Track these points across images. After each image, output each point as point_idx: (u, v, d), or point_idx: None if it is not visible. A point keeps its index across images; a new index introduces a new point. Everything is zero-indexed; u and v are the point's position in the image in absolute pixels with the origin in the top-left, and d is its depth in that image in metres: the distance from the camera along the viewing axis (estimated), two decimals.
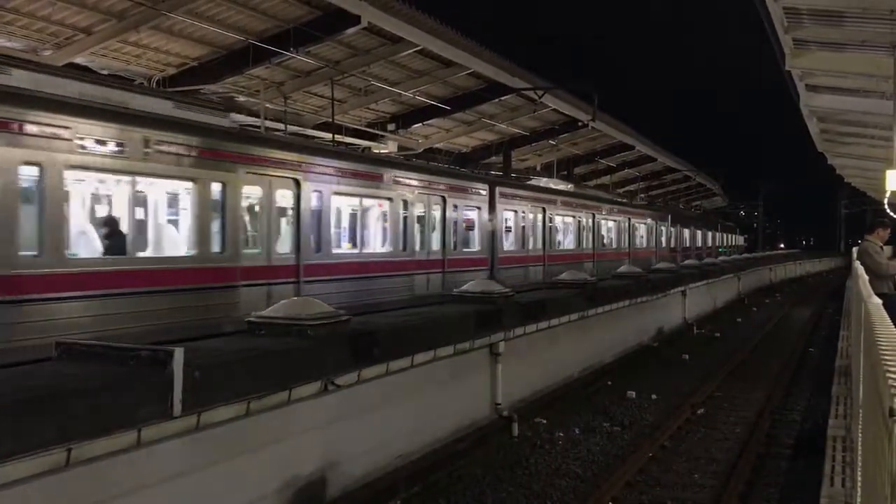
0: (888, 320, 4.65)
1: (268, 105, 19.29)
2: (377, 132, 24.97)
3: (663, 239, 37.39)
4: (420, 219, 16.48)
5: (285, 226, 12.78)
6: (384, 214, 15.50)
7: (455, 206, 17.56)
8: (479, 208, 18.70)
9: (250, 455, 6.62)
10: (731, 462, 9.87)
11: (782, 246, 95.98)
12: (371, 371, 7.97)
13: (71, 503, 5.11)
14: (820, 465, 7.22)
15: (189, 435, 5.87)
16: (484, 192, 19.08)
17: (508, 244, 20.50)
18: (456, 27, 19.34)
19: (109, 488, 5.35)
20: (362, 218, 15.20)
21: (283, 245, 12.53)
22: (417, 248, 16.27)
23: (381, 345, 8.23)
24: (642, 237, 33.89)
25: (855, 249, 17.31)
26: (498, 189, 19.60)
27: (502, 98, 24.99)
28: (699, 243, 47.18)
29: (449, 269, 16.98)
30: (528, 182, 26.24)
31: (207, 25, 16.18)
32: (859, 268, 11.32)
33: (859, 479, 4.99)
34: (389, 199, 15.23)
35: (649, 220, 34.70)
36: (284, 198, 12.51)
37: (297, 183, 12.53)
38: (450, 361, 9.61)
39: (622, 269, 19.88)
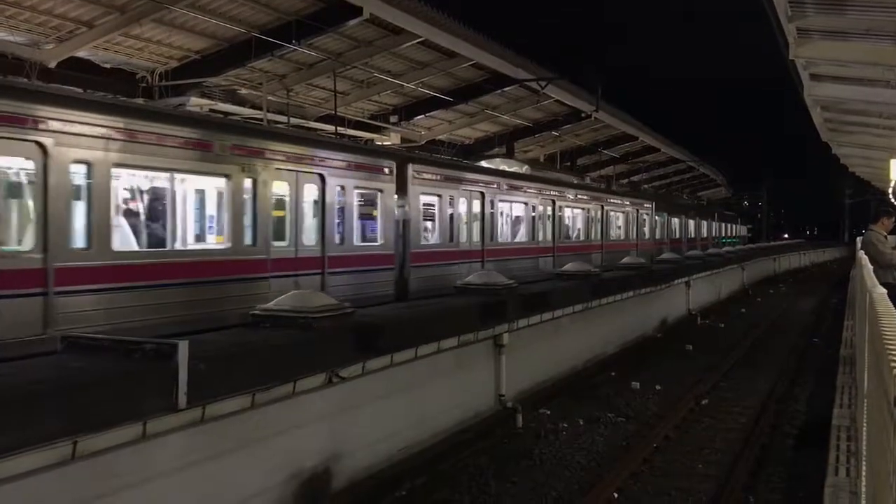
0: (892, 310, 4.64)
1: (270, 98, 19.27)
2: (380, 124, 24.94)
3: (646, 229, 33.10)
4: (280, 203, 12.37)
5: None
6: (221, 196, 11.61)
7: (341, 188, 13.34)
8: (380, 191, 14.34)
9: (255, 447, 6.64)
10: (736, 452, 9.88)
11: (786, 236, 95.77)
12: (375, 363, 7.98)
13: (77, 495, 5.13)
14: (824, 455, 7.22)
15: (194, 427, 5.89)
16: (388, 171, 14.68)
17: (429, 237, 16.52)
18: (458, 18, 19.31)
19: (115, 481, 5.38)
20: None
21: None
22: (266, 241, 11.71)
23: (386, 337, 8.25)
24: (620, 227, 29.94)
25: (859, 239, 17.26)
26: (412, 168, 15.52)
27: (505, 89, 24.94)
28: (692, 234, 42.95)
29: (332, 270, 12.83)
30: (460, 161, 22.94)
31: (209, 18, 16.16)
32: (863, 257, 11.29)
33: (864, 468, 4.99)
34: (227, 175, 11.17)
35: (628, 209, 30.58)
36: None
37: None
38: (454, 353, 9.62)
39: (626, 259, 19.88)
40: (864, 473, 4.99)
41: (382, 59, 20.58)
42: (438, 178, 16.72)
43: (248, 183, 11.43)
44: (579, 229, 25.49)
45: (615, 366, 14.93)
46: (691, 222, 43.27)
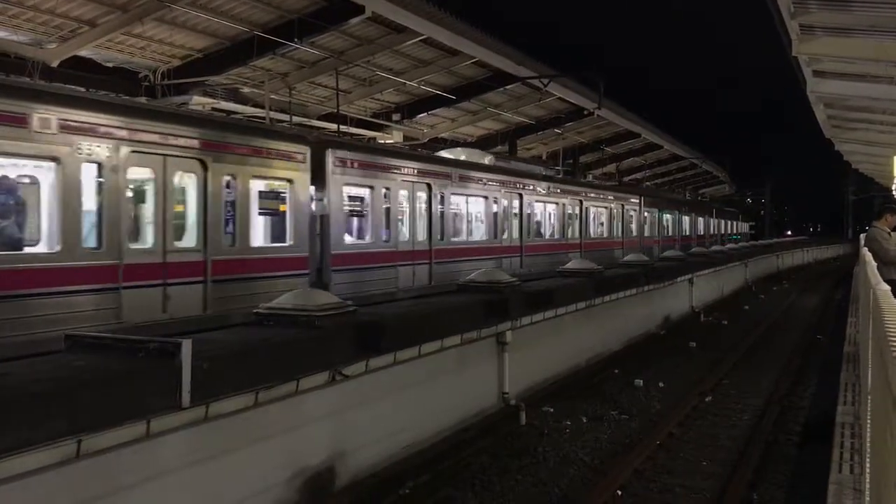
0: None
1: (273, 96, 19.29)
2: (382, 122, 24.95)
3: (633, 226, 30.83)
4: (140, 195, 10.32)
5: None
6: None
7: (232, 178, 11.07)
8: (289, 181, 12.09)
9: (258, 446, 6.65)
10: (740, 449, 9.87)
11: (789, 233, 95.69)
12: (379, 361, 7.98)
13: (81, 494, 5.14)
14: (828, 452, 7.21)
15: (197, 426, 5.90)
16: (301, 158, 12.43)
17: (358, 236, 14.47)
18: (460, 16, 19.29)
19: (119, 479, 5.39)
20: None
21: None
22: (116, 242, 9.62)
23: (389, 335, 8.25)
24: (602, 224, 27.73)
25: (863, 236, 17.23)
26: (332, 155, 13.08)
27: (507, 87, 24.94)
28: (687, 231, 40.77)
29: (219, 277, 10.61)
30: (399, 147, 20.58)
31: (212, 17, 16.18)
32: (867, 254, 11.27)
33: (868, 465, 4.99)
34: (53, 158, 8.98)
35: (612, 204, 28.30)
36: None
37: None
38: (457, 351, 9.63)
39: (629, 257, 19.85)
40: (867, 470, 4.98)
41: (385, 57, 20.59)
42: (369, 166, 14.31)
43: (87, 168, 9.24)
44: (554, 227, 23.39)
45: (618, 363, 14.92)
46: (686, 219, 41.04)
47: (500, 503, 8.04)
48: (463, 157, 19.99)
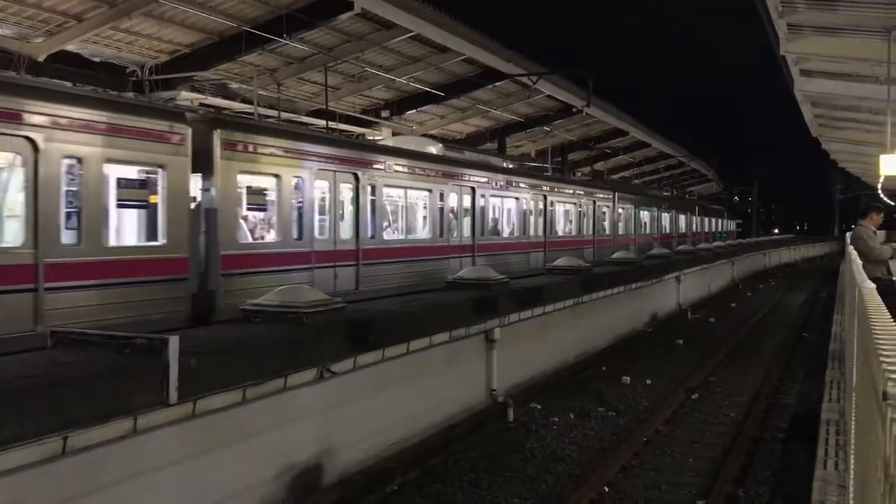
0: (882, 305, 4.67)
1: (261, 92, 19.20)
2: (371, 119, 24.90)
3: (606, 224, 28.60)
4: None
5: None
6: None
7: (77, 161, 9.06)
8: (161, 167, 9.97)
9: (246, 442, 6.63)
10: (726, 446, 9.93)
11: (776, 231, 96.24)
12: (367, 358, 7.98)
13: (68, 491, 5.11)
14: (813, 448, 7.26)
15: (185, 422, 5.88)
16: (180, 140, 10.24)
17: (258, 234, 12.29)
18: (449, 12, 19.27)
19: (106, 475, 5.37)
20: None
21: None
22: None
23: (377, 332, 8.25)
24: (571, 221, 25.40)
25: (849, 234, 17.35)
26: (221, 135, 11.08)
27: (496, 84, 24.90)
28: (667, 229, 38.39)
29: (56, 284, 8.49)
30: (319, 132, 17.77)
31: (200, 12, 16.07)
32: (853, 252, 11.35)
33: (852, 462, 5.03)
34: None
35: (582, 199, 26.11)
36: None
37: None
38: (445, 348, 9.64)
39: (617, 255, 19.93)
40: (852, 467, 5.02)
41: (374, 53, 20.53)
42: (275, 151, 12.19)
43: None
44: (513, 223, 21.24)
45: (606, 360, 14.97)
46: (666, 216, 38.73)
47: (489, 499, 8.06)
48: (402, 145, 17.67)
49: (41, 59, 15.59)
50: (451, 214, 17.57)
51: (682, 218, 42.31)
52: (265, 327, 7.44)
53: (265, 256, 11.95)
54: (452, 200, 17.67)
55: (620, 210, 30.26)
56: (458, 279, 11.95)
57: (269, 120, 18.68)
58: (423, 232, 16.78)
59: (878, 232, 11.52)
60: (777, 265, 45.55)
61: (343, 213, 13.91)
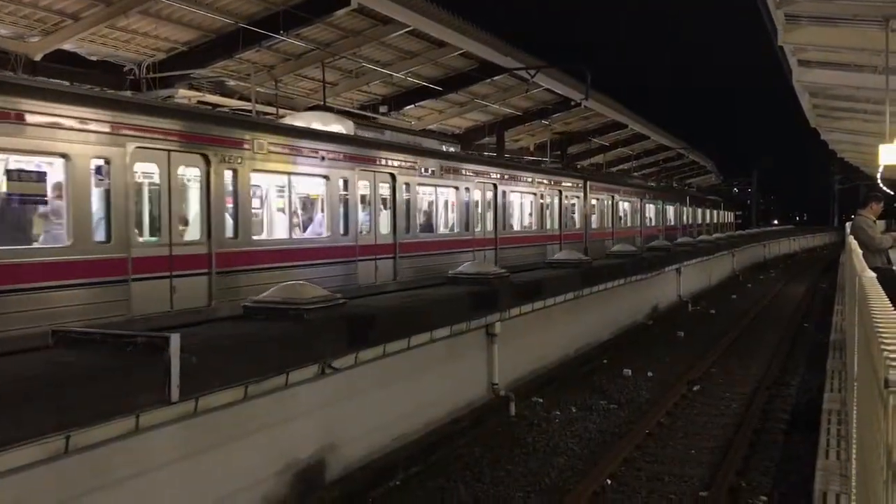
0: (882, 294, 4.67)
1: (259, 89, 19.20)
2: (369, 114, 24.89)
3: (576, 217, 25.80)
4: None
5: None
6: None
7: None
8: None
9: (249, 439, 6.64)
10: (728, 437, 9.94)
11: (776, 222, 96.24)
12: (368, 353, 7.98)
13: (71, 489, 5.12)
14: (815, 438, 7.27)
15: (187, 420, 5.88)
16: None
17: (39, 233, 9.46)
18: (446, 7, 19.25)
19: (109, 474, 5.37)
20: None
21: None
22: None
23: (378, 327, 8.25)
24: (530, 215, 22.58)
25: (848, 224, 17.35)
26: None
27: (494, 78, 24.91)
28: (652, 221, 35.77)
29: None
30: (129, 97, 13.79)
31: (196, 9, 16.07)
32: (853, 242, 11.35)
33: (854, 451, 5.03)
34: None
35: (545, 190, 22.97)
36: None
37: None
38: (446, 343, 9.64)
39: (616, 247, 19.91)
40: (854, 457, 5.03)
41: (371, 48, 20.52)
42: (56, 118, 8.86)
43: None
44: (453, 218, 18.34)
45: (607, 353, 14.98)
46: (651, 207, 35.58)
47: (491, 494, 8.07)
48: (299, 123, 14.45)
49: (38, 58, 15.58)
50: (360, 208, 14.41)
51: (670, 209, 39.86)
52: (266, 324, 7.44)
53: (45, 267, 8.96)
54: (362, 190, 14.57)
55: (594, 201, 27.24)
56: (458, 273, 11.94)
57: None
58: (317, 230, 13.67)
59: (877, 221, 11.52)
60: (777, 256, 45.53)
61: (186, 209, 11.12)
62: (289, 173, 12.84)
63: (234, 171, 11.41)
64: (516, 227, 21.59)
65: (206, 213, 10.99)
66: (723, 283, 28.95)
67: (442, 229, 17.82)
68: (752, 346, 16.64)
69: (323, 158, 13.34)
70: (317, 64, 20.13)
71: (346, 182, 13.92)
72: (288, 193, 13.00)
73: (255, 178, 12.16)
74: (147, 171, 10.43)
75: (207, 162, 10.97)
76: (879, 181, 33.70)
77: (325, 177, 13.49)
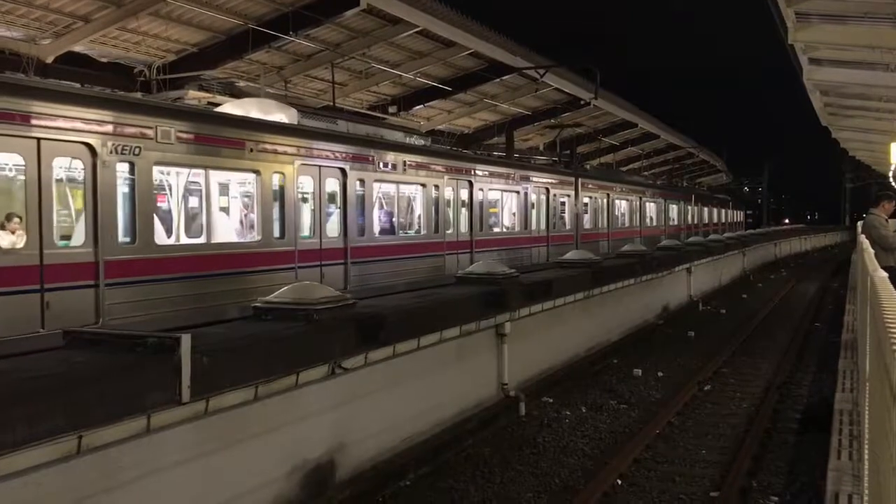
0: (894, 293, 4.64)
1: (268, 89, 19.26)
2: (379, 115, 24.93)
3: (567, 217, 24.18)
4: None
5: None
6: None
7: None
8: None
9: (259, 440, 6.66)
10: (739, 437, 9.90)
11: (787, 221, 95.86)
12: (378, 354, 7.99)
13: (83, 489, 5.15)
14: (827, 439, 7.24)
15: (198, 421, 5.90)
16: None
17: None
18: (455, 7, 19.27)
19: (120, 474, 5.39)
20: None
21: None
22: None
23: (388, 327, 8.26)
24: (514, 215, 21.05)
25: (860, 223, 17.26)
26: None
27: (503, 78, 24.90)
28: (654, 222, 34.10)
29: None
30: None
31: (206, 11, 16.13)
32: (865, 241, 11.29)
33: (866, 452, 5.00)
34: None
35: (529, 186, 21.32)
36: None
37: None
38: (456, 343, 9.64)
39: (626, 247, 19.84)
40: (866, 457, 5.00)
41: (380, 49, 20.55)
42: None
43: None
44: (420, 219, 16.80)
45: (617, 353, 14.95)
46: (652, 206, 33.54)
47: (501, 494, 8.06)
48: (229, 110, 12.96)
49: (49, 60, 15.67)
50: (298, 207, 12.90)
51: (674, 208, 38.07)
52: (276, 324, 7.46)
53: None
54: (307, 187, 13.24)
55: (586, 200, 25.72)
56: (468, 273, 11.93)
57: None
58: (246, 232, 12.39)
59: (889, 220, 11.45)
60: (788, 255, 45.32)
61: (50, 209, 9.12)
62: (206, 167, 11.23)
63: (131, 164, 9.80)
64: (496, 228, 20.21)
65: (93, 213, 9.31)
66: (734, 283, 28.83)
67: (406, 231, 16.43)
68: (763, 345, 16.56)
69: (251, 150, 11.78)
70: (326, 65, 20.17)
71: (282, 177, 12.31)
72: (205, 190, 11.42)
73: (160, 173, 10.72)
74: (15, 164, 9.06)
75: (93, 153, 9.28)
76: (891, 179, 33.53)
77: (256, 171, 11.92)
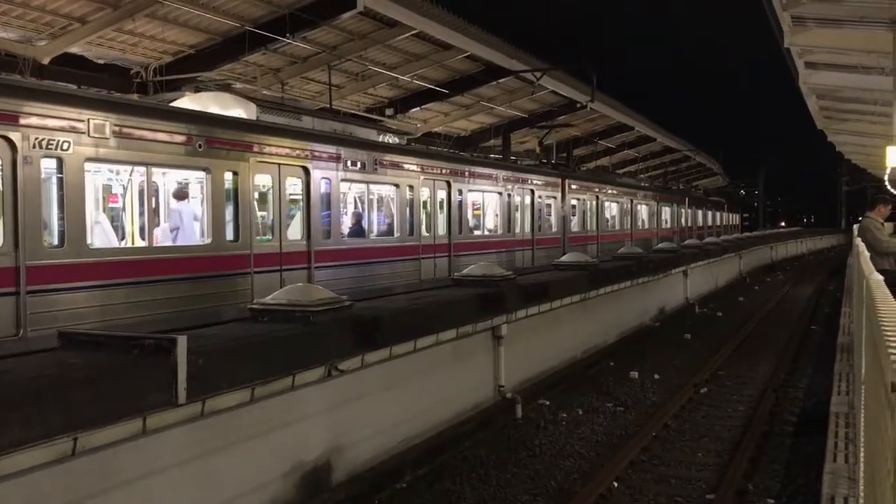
0: (890, 296, 4.65)
1: (265, 92, 19.25)
2: (375, 117, 24.94)
3: (553, 219, 23.53)
4: None
5: None
6: None
7: None
8: None
9: (255, 441, 6.65)
10: (735, 440, 9.91)
11: (783, 224, 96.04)
12: (374, 356, 7.99)
13: (79, 491, 5.14)
14: (823, 441, 7.25)
15: (194, 422, 5.89)
16: None
17: None
18: (452, 10, 19.30)
19: (116, 476, 5.38)
20: None
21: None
22: None
23: (384, 329, 8.26)
24: (496, 216, 20.50)
25: (856, 226, 17.29)
26: None
27: (500, 80, 24.92)
28: (646, 225, 33.62)
29: None
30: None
31: (203, 12, 16.12)
32: (860, 245, 11.31)
33: (862, 454, 5.01)
34: None
35: (513, 187, 20.65)
36: None
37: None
38: (453, 345, 9.64)
39: (623, 250, 19.86)
40: (862, 460, 5.01)
41: (377, 51, 20.56)
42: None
43: None
44: (393, 220, 15.98)
45: (614, 355, 14.96)
46: (644, 208, 33.16)
47: (498, 496, 8.06)
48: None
49: (45, 61, 15.65)
50: (255, 207, 12.12)
51: (667, 210, 37.54)
52: (273, 326, 7.45)
53: None
54: (265, 186, 12.54)
55: (573, 202, 25.05)
56: (464, 276, 11.94)
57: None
58: (193, 235, 11.56)
59: (885, 224, 11.48)
60: (784, 258, 45.40)
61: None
62: (146, 164, 10.36)
63: (59, 160, 9.09)
64: (477, 231, 19.51)
65: (13, 214, 8.58)
66: (730, 285, 28.88)
67: (377, 234, 15.61)
68: (760, 348, 16.59)
69: (200, 147, 10.96)
70: (323, 67, 20.18)
71: (236, 176, 11.55)
72: (145, 189, 10.67)
73: (93, 169, 10.08)
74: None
75: (13, 148, 8.59)
76: (887, 183, 33.58)
77: (205, 169, 11.15)
